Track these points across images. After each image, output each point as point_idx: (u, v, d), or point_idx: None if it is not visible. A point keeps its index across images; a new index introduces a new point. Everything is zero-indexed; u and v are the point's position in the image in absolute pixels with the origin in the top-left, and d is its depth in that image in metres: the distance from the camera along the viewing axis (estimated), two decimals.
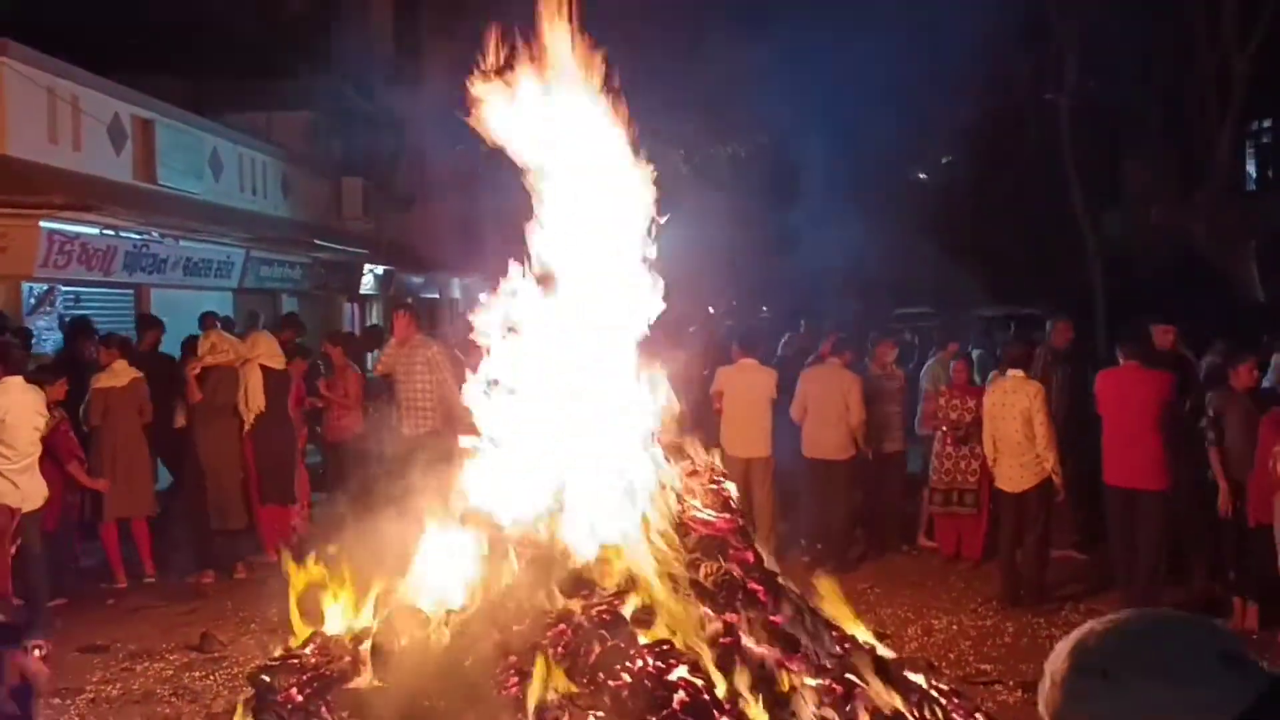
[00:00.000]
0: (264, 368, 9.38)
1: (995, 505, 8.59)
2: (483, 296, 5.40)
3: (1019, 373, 8.12)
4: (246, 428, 9.29)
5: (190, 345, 9.73)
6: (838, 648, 5.09)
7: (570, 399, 5.10)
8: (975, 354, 12.91)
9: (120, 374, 8.70)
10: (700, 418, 8.59)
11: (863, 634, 5.49)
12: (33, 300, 11.35)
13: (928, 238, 21.58)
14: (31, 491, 7.21)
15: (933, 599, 8.24)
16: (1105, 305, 18.82)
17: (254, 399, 9.30)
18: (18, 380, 7.21)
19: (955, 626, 7.56)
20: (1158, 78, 18.17)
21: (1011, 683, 6.49)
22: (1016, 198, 22.55)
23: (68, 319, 11.20)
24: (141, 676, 6.77)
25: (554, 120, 5.24)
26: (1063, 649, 1.46)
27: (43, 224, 11.10)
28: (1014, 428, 7.91)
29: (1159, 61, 17.73)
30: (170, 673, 6.81)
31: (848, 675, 4.84)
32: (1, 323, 9.30)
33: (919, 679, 5.43)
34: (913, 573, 8.99)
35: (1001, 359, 8.80)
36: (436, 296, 24.82)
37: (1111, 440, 7.68)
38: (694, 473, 5.35)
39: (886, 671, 5.13)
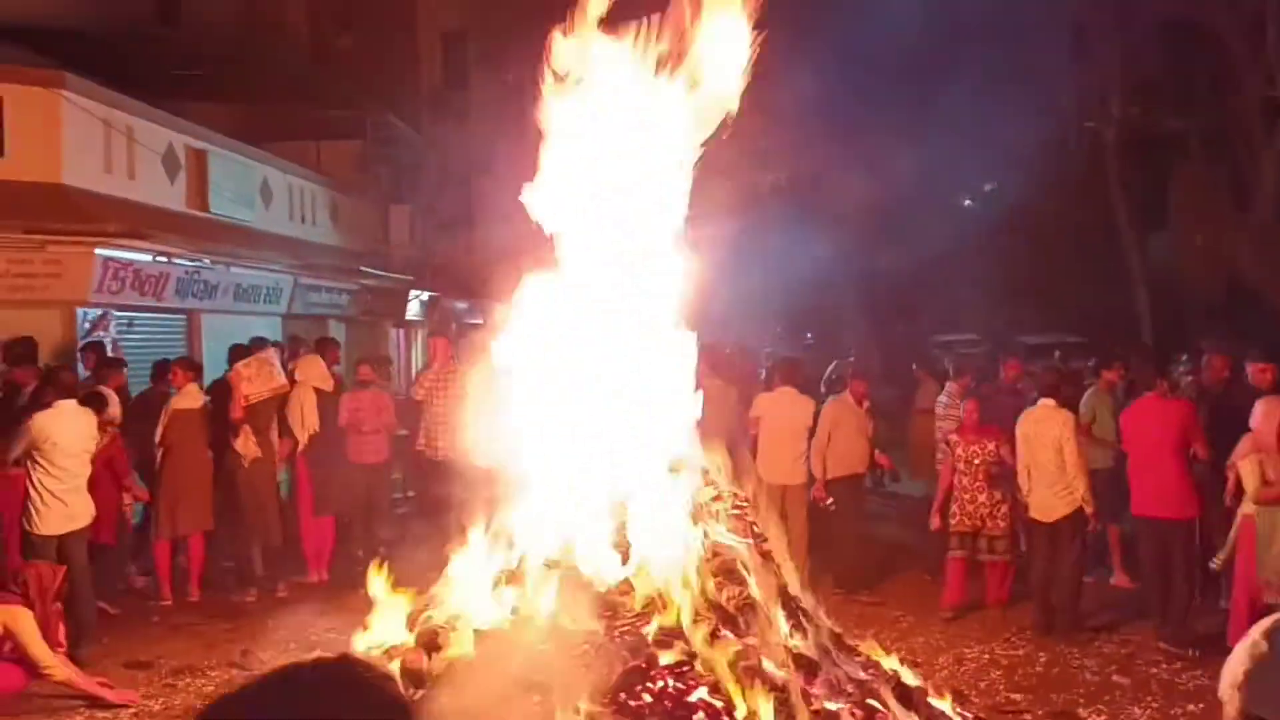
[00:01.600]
0: (316, 390, 9.66)
1: (1030, 538, 8.46)
2: (510, 311, 5.53)
3: (1050, 401, 8.06)
4: (301, 447, 9.53)
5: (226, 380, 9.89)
6: (860, 673, 5.13)
7: (599, 420, 5.20)
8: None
9: (193, 396, 9.01)
10: (734, 444, 8.67)
11: (887, 661, 5.51)
12: (87, 325, 11.68)
13: (972, 264, 21.50)
14: (79, 510, 7.45)
15: (965, 628, 8.20)
16: (1151, 331, 18.63)
17: (309, 420, 9.53)
18: (70, 404, 7.46)
19: (987, 656, 7.53)
20: (1202, 103, 18.02)
21: (1041, 712, 6.47)
22: (1061, 223, 22.41)
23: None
24: (183, 692, 6.93)
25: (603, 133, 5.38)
26: (1257, 635, 1.64)
27: (97, 251, 11.43)
28: (1047, 457, 7.86)
29: (1203, 86, 17.60)
30: (211, 689, 6.97)
31: (869, 700, 4.88)
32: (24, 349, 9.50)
33: (944, 706, 5.45)
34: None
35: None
36: (480, 322, 25.10)
37: (1136, 472, 7.65)
38: (718, 497, 5.42)
39: (909, 697, 5.16)
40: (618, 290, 5.25)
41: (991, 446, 8.56)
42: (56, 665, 6.39)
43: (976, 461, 8.56)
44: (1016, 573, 8.70)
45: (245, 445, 9.11)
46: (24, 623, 6.29)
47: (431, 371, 9.98)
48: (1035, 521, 8.07)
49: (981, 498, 8.53)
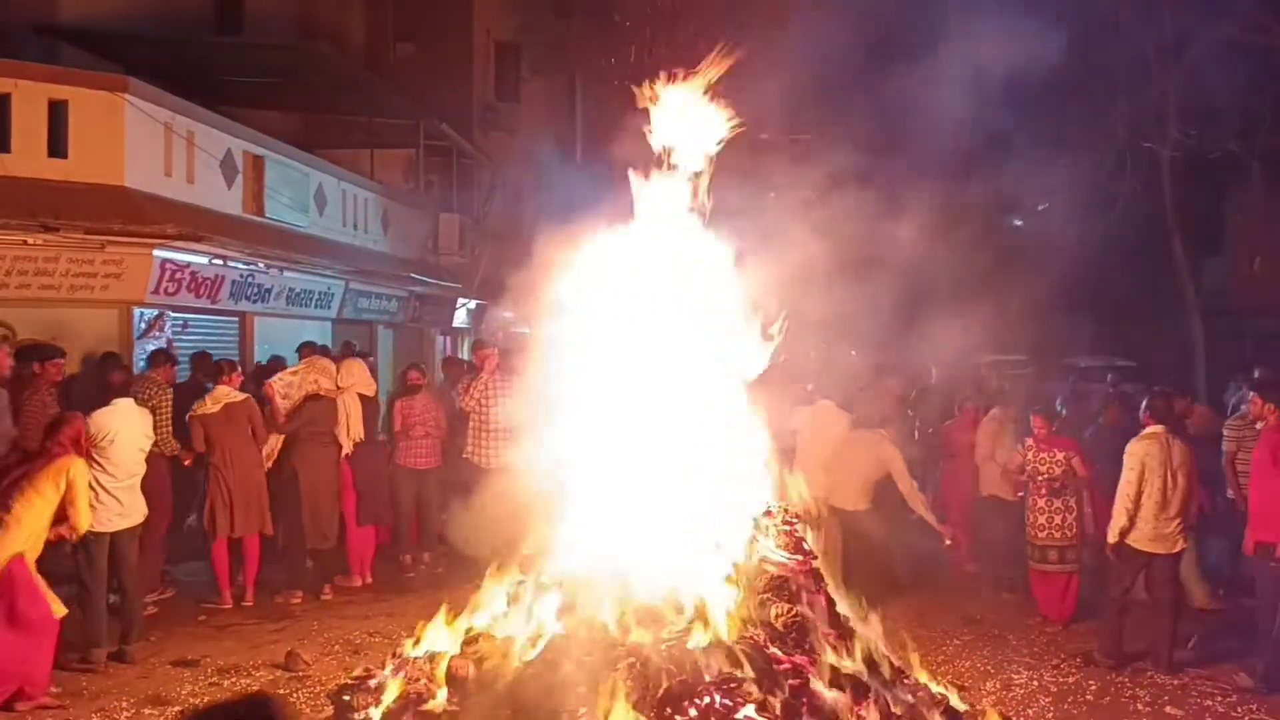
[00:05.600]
0: (360, 396, 9.70)
1: (1118, 560, 8.17)
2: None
3: (1160, 429, 7.85)
4: (346, 452, 9.57)
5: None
6: (909, 696, 5.07)
7: (653, 438, 5.20)
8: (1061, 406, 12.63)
9: (217, 400, 9.00)
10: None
11: (936, 685, 5.45)
12: (143, 325, 11.88)
13: (1021, 284, 21.24)
14: (133, 508, 7.54)
15: (1014, 653, 8.06)
16: (1204, 357, 18.32)
17: (355, 427, 9.56)
18: (128, 402, 7.56)
19: (1036, 682, 7.39)
20: (1263, 126, 17.69)
21: None
22: (1114, 245, 22.10)
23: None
24: (229, 692, 6.97)
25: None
26: None
27: (155, 252, 11.64)
28: (1158, 485, 7.63)
29: (1265, 109, 17.27)
30: (256, 689, 7.02)
31: None
32: (115, 361, 9.70)
33: None
34: (995, 625, 8.80)
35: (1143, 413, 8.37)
36: (526, 331, 25.26)
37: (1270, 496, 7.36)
38: (769, 513, 5.39)
39: None
40: (681, 300, 5.28)
41: (1061, 456, 8.66)
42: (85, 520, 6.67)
43: (1043, 469, 8.67)
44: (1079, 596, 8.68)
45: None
46: (83, 474, 6.60)
47: (479, 381, 9.99)
48: (1133, 551, 7.79)
49: (1041, 503, 8.68)
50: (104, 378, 8.36)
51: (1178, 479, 7.54)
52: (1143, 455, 7.59)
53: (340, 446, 9.56)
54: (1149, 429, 7.75)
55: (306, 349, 11.21)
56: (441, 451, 10.36)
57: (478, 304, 22.05)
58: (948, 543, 9.43)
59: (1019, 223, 26.89)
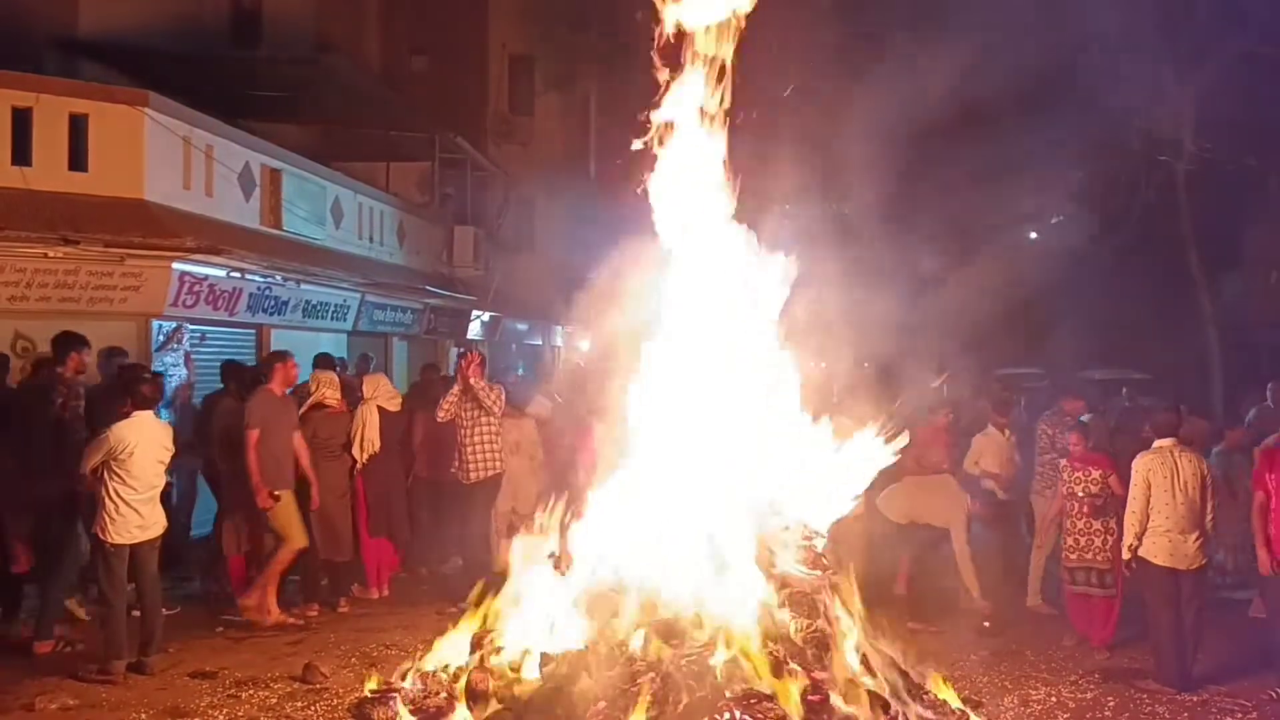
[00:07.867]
0: (380, 409, 9.70)
1: (1136, 576, 8.08)
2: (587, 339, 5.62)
3: (1165, 443, 7.84)
4: (359, 465, 9.58)
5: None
6: (928, 711, 5.06)
7: (675, 452, 5.21)
8: (1086, 419, 12.58)
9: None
10: None
11: (955, 701, 5.43)
12: (161, 337, 11.95)
13: (1037, 297, 21.21)
14: (153, 520, 7.56)
15: (1032, 669, 8.03)
16: (1221, 370, 18.25)
17: (370, 440, 9.56)
18: (147, 415, 7.58)
19: (1054, 698, 7.36)
20: (1278, 140, 17.67)
21: None
22: (1131, 258, 22.05)
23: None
24: (246, 704, 6.99)
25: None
26: None
27: (174, 265, 11.71)
28: (1165, 501, 7.58)
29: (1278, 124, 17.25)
30: (274, 701, 7.03)
31: None
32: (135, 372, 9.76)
33: None
34: (1013, 641, 8.76)
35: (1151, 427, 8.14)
36: (539, 343, 25.33)
37: None
38: (788, 528, 5.39)
39: None
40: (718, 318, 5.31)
41: (1097, 474, 8.56)
42: None
43: (1079, 490, 8.58)
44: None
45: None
46: None
47: (453, 393, 9.53)
48: (1153, 566, 7.61)
49: (1080, 524, 8.57)
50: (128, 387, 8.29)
51: (1189, 493, 7.51)
52: (1146, 471, 7.58)
53: (353, 458, 9.57)
54: (1155, 444, 7.74)
55: (322, 360, 11.24)
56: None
57: (492, 315, 22.11)
58: (985, 624, 9.14)
59: (1034, 235, 26.84)
